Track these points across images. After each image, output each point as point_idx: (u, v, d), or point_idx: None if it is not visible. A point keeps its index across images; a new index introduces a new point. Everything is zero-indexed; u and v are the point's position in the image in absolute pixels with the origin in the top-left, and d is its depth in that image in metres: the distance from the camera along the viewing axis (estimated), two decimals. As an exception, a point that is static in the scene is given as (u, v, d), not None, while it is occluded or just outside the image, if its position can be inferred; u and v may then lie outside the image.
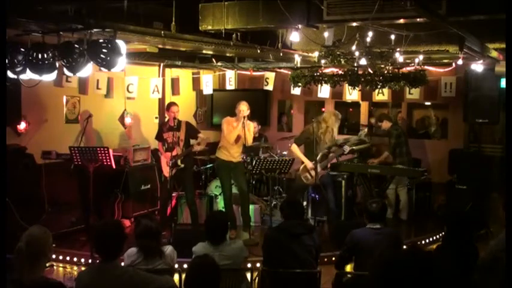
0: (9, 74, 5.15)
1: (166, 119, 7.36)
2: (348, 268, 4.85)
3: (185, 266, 4.45)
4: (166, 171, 7.17)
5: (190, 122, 7.36)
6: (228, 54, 7.29)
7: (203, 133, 7.53)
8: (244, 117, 6.96)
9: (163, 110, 9.33)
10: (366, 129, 7.83)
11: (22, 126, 7.24)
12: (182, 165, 7.14)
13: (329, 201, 7.37)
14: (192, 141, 7.34)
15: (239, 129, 7.02)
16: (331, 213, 7.44)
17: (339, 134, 7.67)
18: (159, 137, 7.36)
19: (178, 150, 7.08)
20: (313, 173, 7.23)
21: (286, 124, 11.44)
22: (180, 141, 7.12)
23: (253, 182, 8.77)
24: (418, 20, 5.06)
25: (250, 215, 7.45)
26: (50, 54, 5.06)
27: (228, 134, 7.11)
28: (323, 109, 10.86)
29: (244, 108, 6.97)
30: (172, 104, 7.20)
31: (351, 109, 12.53)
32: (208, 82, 8.98)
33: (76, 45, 4.91)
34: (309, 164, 7.23)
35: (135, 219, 7.60)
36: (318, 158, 7.18)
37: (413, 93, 8.27)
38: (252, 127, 7.24)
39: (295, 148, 7.37)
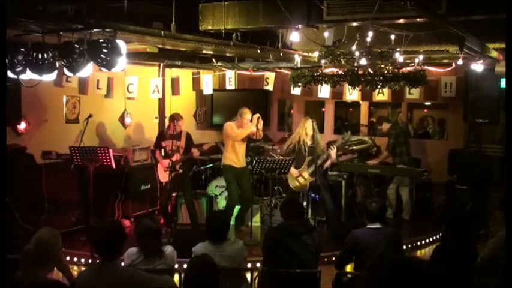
0: (9, 74, 5.14)
1: (166, 127, 7.35)
2: (348, 268, 4.86)
3: (185, 266, 4.45)
4: (163, 177, 7.28)
5: (191, 134, 7.43)
6: (228, 54, 7.29)
7: (203, 133, 7.54)
8: (258, 118, 7.09)
9: (163, 110, 9.34)
10: (349, 133, 7.68)
11: (22, 126, 7.24)
12: (181, 170, 7.22)
13: (325, 202, 7.39)
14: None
15: (248, 129, 7.13)
16: (329, 214, 7.45)
17: (336, 134, 7.64)
18: (157, 145, 7.41)
19: (178, 156, 7.16)
20: (300, 179, 7.36)
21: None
22: (180, 148, 7.20)
23: (253, 182, 8.76)
24: (418, 20, 5.06)
25: (243, 220, 7.49)
26: (50, 54, 5.06)
27: (237, 135, 7.17)
28: (323, 109, 10.87)
29: (249, 116, 7.12)
30: (179, 117, 7.22)
31: (350, 109, 12.53)
32: (208, 82, 8.99)
33: (76, 45, 4.91)
34: (294, 172, 7.30)
35: (136, 219, 7.62)
36: (303, 165, 7.29)
37: (413, 93, 8.28)
38: (261, 124, 7.28)
39: None
